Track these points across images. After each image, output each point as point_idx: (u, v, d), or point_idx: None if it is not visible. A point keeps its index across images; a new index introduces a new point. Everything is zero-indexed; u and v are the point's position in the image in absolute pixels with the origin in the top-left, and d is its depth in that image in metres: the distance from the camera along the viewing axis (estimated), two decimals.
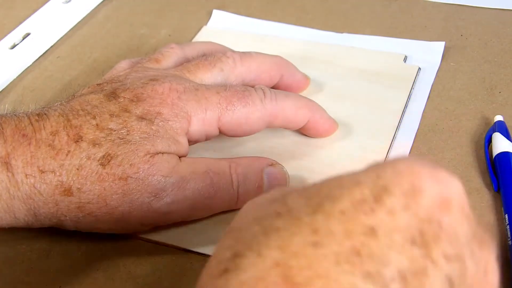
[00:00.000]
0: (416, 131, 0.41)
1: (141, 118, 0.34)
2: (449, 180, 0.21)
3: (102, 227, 0.34)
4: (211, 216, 0.36)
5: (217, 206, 0.35)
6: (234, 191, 0.35)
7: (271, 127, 0.38)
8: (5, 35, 0.52)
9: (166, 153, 0.34)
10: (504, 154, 0.37)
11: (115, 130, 0.33)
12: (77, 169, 0.32)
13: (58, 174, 0.32)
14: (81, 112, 0.34)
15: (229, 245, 0.20)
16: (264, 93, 0.37)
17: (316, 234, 0.19)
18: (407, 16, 0.51)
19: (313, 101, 0.39)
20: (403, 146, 0.40)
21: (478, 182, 0.37)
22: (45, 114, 0.34)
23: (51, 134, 0.33)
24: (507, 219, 0.34)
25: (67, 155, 0.33)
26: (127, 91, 0.35)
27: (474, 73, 0.45)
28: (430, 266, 0.19)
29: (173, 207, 0.33)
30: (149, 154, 0.33)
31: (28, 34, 0.52)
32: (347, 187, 0.20)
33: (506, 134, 0.38)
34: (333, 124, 0.40)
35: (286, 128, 0.39)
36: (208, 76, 0.38)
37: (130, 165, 0.33)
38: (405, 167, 0.21)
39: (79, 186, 0.32)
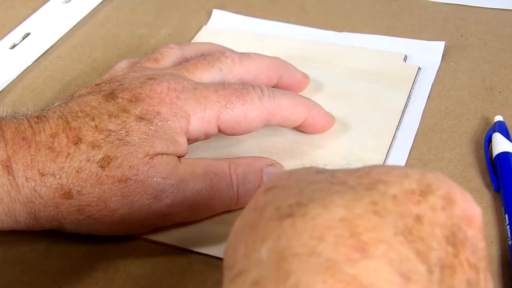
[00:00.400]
0: (416, 131, 0.41)
1: (140, 118, 0.34)
2: (474, 203, 0.23)
3: (102, 229, 0.34)
4: (211, 216, 0.36)
5: (217, 207, 0.35)
6: (234, 191, 0.35)
7: (269, 125, 0.38)
8: (5, 35, 0.52)
9: (165, 154, 0.34)
10: (504, 154, 0.37)
11: (114, 131, 0.33)
12: (77, 171, 0.32)
13: (58, 177, 0.32)
14: (79, 114, 0.34)
15: (287, 195, 0.21)
16: (262, 91, 0.37)
17: (375, 206, 0.20)
18: (407, 16, 0.51)
19: (309, 99, 0.40)
20: (403, 146, 0.40)
21: (478, 182, 0.37)
22: (44, 116, 0.34)
23: (50, 137, 0.33)
24: (507, 219, 0.34)
25: (66, 157, 0.32)
26: (125, 91, 0.35)
27: (474, 73, 0.45)
28: (458, 266, 0.20)
29: (173, 208, 0.33)
30: (148, 155, 0.33)
31: (28, 34, 0.52)
32: (397, 176, 0.22)
33: (506, 134, 0.38)
34: (331, 119, 0.40)
35: (283, 126, 0.39)
36: (206, 75, 0.38)
37: (130, 167, 0.33)
38: (443, 177, 0.23)
39: (79, 189, 0.32)
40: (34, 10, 0.55)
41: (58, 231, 0.34)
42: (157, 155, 0.33)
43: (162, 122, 0.34)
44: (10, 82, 0.48)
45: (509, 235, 0.33)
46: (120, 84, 0.36)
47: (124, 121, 0.34)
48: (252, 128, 0.37)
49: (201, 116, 0.35)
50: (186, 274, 0.34)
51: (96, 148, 0.33)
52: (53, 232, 0.35)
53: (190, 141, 0.36)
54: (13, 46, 0.51)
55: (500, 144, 0.37)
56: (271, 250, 0.19)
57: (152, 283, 0.33)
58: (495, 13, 0.51)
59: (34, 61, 0.50)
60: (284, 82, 0.42)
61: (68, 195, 0.32)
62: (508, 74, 0.44)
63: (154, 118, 0.34)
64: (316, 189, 0.21)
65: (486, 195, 0.36)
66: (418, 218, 0.20)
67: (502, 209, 0.35)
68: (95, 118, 0.34)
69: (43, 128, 0.33)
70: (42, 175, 0.32)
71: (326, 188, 0.21)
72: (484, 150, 0.38)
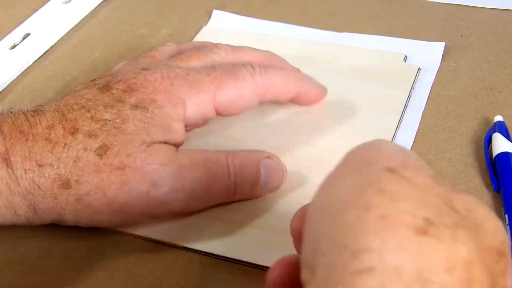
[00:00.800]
0: (416, 131, 0.41)
1: (136, 106, 0.34)
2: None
3: (101, 220, 0.34)
4: (211, 214, 0.36)
5: (215, 196, 0.35)
6: (232, 181, 0.35)
7: (264, 101, 0.39)
8: (5, 35, 0.52)
9: (162, 142, 0.34)
10: (504, 154, 0.37)
11: (110, 120, 0.34)
12: (74, 161, 0.32)
13: (56, 167, 0.32)
14: (75, 106, 0.34)
15: (419, 202, 0.21)
16: (253, 68, 0.38)
17: (481, 254, 0.20)
18: (407, 16, 0.51)
19: (300, 72, 0.41)
20: (403, 146, 0.40)
21: (478, 182, 0.37)
22: (41, 110, 0.34)
23: (47, 128, 0.33)
24: (507, 219, 0.34)
25: (64, 147, 0.33)
26: (120, 83, 0.36)
27: (474, 73, 0.45)
28: None
29: (171, 196, 0.33)
30: (146, 143, 0.33)
31: (28, 34, 0.52)
32: (494, 228, 0.22)
33: (506, 134, 0.38)
34: (323, 90, 0.41)
35: (278, 100, 0.40)
36: (200, 65, 0.39)
37: (127, 155, 0.33)
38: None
39: (76, 178, 0.32)
40: (34, 10, 0.55)
41: (58, 229, 0.35)
42: (155, 143, 0.34)
43: (158, 109, 0.34)
44: (10, 82, 0.48)
45: (509, 235, 0.33)
46: (114, 77, 0.36)
47: (119, 110, 0.34)
48: (248, 105, 0.38)
49: (196, 100, 0.36)
50: (186, 274, 0.34)
51: (93, 137, 0.33)
52: (53, 232, 0.35)
53: (189, 127, 0.37)
54: (13, 46, 0.51)
55: (500, 144, 0.37)
56: (408, 264, 0.19)
57: (152, 283, 0.33)
58: (495, 13, 0.51)
59: (34, 61, 0.50)
60: None
61: (66, 184, 0.32)
62: (508, 74, 0.44)
63: (149, 105, 0.34)
64: (440, 212, 0.21)
65: (486, 195, 0.36)
66: (495, 280, 0.21)
67: (502, 209, 0.35)
68: (91, 110, 0.34)
69: (39, 121, 0.33)
70: (40, 166, 0.32)
71: (450, 214, 0.21)
72: (484, 150, 0.38)
